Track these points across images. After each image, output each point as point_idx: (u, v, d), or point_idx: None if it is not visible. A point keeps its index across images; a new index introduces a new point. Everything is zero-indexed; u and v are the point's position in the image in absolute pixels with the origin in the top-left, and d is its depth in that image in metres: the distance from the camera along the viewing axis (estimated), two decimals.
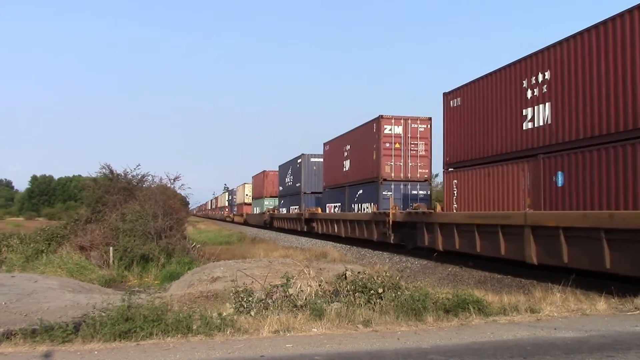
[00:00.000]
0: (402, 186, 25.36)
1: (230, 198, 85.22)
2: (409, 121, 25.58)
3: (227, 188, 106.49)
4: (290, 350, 6.22)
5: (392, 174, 25.30)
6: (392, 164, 25.24)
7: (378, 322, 7.51)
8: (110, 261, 19.40)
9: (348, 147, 30.43)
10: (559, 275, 12.46)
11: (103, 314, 7.09)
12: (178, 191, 25.64)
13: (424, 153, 25.74)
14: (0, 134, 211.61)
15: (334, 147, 33.61)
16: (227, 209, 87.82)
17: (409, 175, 25.47)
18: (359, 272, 9.17)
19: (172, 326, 6.88)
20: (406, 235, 22.17)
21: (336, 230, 30.47)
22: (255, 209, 60.19)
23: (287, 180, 45.36)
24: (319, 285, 9.02)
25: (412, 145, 25.47)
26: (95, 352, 6.15)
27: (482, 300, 8.47)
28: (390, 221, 22.37)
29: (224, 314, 7.66)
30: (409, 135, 25.44)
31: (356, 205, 28.43)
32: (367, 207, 26.54)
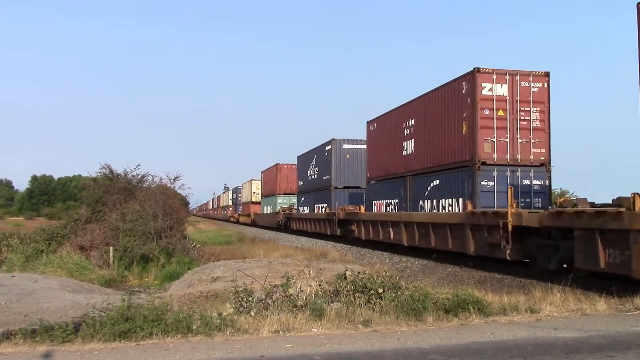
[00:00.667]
0: (508, 173, 17.45)
1: (234, 196, 78.02)
2: (518, 78, 17.90)
3: (227, 188, 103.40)
4: (290, 350, 6.22)
5: (495, 156, 17.43)
6: (495, 139, 17.51)
7: (378, 322, 7.52)
8: (110, 261, 19.41)
9: (411, 121, 22.15)
10: (559, 275, 12.46)
11: (103, 314, 7.10)
12: (178, 191, 25.69)
13: (539, 124, 17.96)
14: (0, 134, 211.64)
15: (385, 125, 24.98)
16: (230, 209, 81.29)
17: (519, 157, 17.68)
18: (359, 272, 9.18)
19: (172, 326, 6.89)
20: (542, 249, 14.30)
21: (392, 236, 22.58)
22: (265, 208, 52.96)
23: (309, 173, 37.94)
24: (319, 285, 9.03)
25: (522, 113, 17.84)
26: (95, 352, 6.15)
27: (482, 300, 8.48)
28: (510, 226, 14.41)
29: (224, 314, 7.66)
30: (518, 98, 17.84)
31: (427, 202, 20.52)
32: (451, 205, 18.92)
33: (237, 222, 71.28)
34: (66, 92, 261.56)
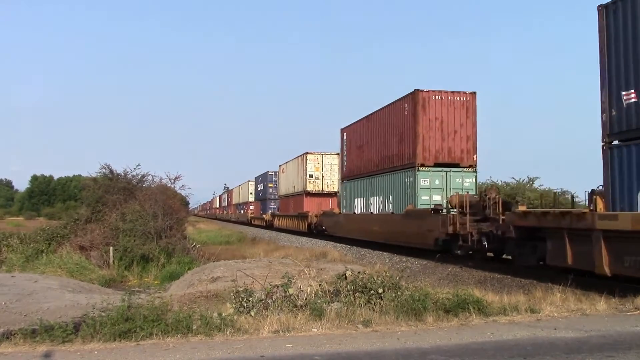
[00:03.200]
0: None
1: (259, 188, 55.67)
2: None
3: (227, 188, 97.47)
4: (290, 350, 6.22)
5: None
6: None
7: (378, 322, 7.52)
8: (110, 261, 19.42)
9: None
10: (559, 275, 12.44)
11: (103, 314, 7.10)
12: (178, 191, 25.72)
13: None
14: (1, 134, 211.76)
15: None
16: (252, 206, 60.40)
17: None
18: (359, 272, 9.18)
19: (172, 326, 6.89)
20: None
21: None
22: (358, 202, 27.21)
23: None
24: (319, 285, 9.03)
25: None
26: (95, 352, 6.15)
27: (482, 300, 8.48)
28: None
29: (224, 314, 7.66)
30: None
31: None
32: None
33: (269, 226, 48.34)
34: (66, 92, 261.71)
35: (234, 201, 74.48)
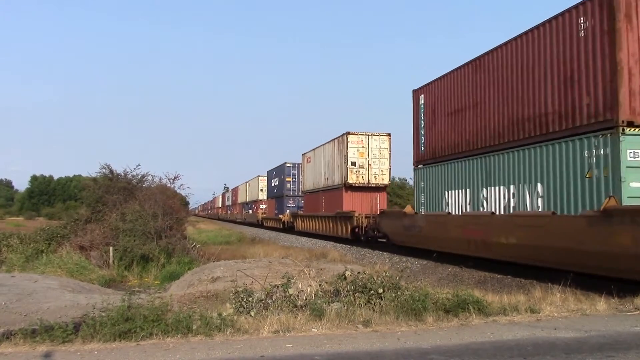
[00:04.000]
0: None
1: (273, 184, 46.24)
2: None
3: (227, 188, 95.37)
4: (290, 351, 6.22)
5: None
6: None
7: (378, 322, 7.52)
8: (110, 261, 19.42)
9: None
10: (559, 275, 12.44)
11: (103, 314, 7.10)
12: (178, 191, 25.74)
13: None
14: (1, 134, 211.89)
15: None
16: (260, 205, 51.81)
17: None
18: (359, 272, 9.18)
19: (172, 326, 6.89)
20: None
21: None
22: (464, 196, 17.36)
23: None
24: (319, 285, 9.03)
25: None
26: (95, 352, 6.15)
27: (482, 300, 8.48)
28: None
29: (224, 314, 7.66)
30: None
31: None
32: None
33: (289, 229, 40.03)
34: (66, 92, 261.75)
35: (240, 200, 63.96)
